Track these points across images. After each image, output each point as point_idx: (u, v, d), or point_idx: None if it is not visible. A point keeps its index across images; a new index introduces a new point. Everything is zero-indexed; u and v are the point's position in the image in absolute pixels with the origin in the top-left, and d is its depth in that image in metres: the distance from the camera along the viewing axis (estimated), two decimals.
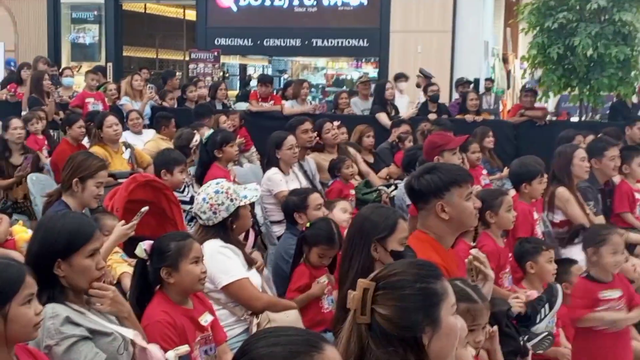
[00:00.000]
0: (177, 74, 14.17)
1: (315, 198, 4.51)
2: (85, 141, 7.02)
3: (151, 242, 3.03)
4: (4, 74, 12.18)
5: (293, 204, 4.51)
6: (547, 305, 3.39)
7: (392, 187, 6.07)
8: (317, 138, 6.66)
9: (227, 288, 3.52)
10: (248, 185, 4.06)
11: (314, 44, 13.91)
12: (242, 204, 3.66)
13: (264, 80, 10.25)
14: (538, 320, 3.33)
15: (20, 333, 2.22)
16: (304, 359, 1.58)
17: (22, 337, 2.25)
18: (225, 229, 3.62)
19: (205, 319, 3.07)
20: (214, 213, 3.60)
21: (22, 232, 4.40)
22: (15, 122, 6.77)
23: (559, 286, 3.55)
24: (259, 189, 4.09)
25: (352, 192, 5.97)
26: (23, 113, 8.44)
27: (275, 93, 10.64)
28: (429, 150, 5.29)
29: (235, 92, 14.95)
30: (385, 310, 1.89)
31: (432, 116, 9.22)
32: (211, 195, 3.61)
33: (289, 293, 3.87)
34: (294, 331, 1.70)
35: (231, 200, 3.62)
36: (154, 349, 2.69)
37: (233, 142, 5.98)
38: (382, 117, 9.05)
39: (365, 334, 1.89)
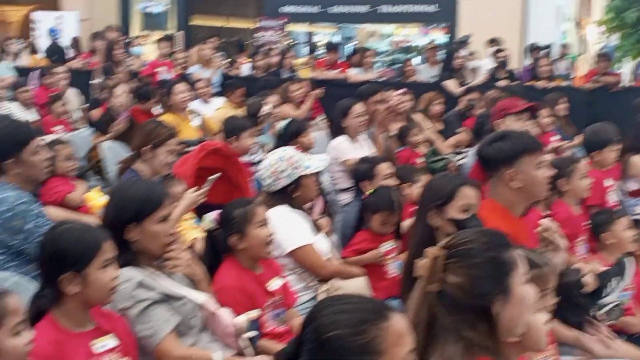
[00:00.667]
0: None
1: (384, 167, 4.48)
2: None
3: (217, 212, 3.09)
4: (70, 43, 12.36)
5: (361, 173, 4.50)
6: (614, 279, 3.31)
7: (461, 155, 6.00)
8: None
9: (293, 254, 3.54)
10: (315, 155, 4.05)
11: (382, 10, 13.75)
12: (304, 173, 3.67)
13: (330, 47, 10.20)
14: (604, 293, 3.26)
15: (97, 297, 2.30)
16: (370, 327, 1.57)
17: (99, 300, 2.33)
18: (287, 196, 3.64)
19: (276, 284, 3.11)
20: (275, 180, 3.62)
21: (97, 198, 4.53)
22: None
23: (628, 260, 3.46)
24: (326, 160, 4.08)
25: (420, 160, 5.92)
26: (96, 81, 8.65)
27: (342, 61, 10.60)
28: (494, 114, 5.19)
29: (302, 60, 14.93)
30: (456, 278, 1.87)
31: (501, 83, 9.03)
32: (274, 162, 3.64)
33: (344, 252, 3.88)
34: (361, 299, 1.69)
35: (294, 168, 3.63)
36: (223, 313, 2.74)
37: (307, 131, 5.88)
38: (450, 84, 8.92)
39: (435, 302, 1.89)
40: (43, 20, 14.01)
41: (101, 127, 6.81)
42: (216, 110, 7.72)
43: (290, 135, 5.67)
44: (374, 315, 1.59)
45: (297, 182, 3.65)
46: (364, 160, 4.71)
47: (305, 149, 5.79)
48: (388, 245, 3.87)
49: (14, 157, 3.23)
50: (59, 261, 2.27)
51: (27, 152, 3.26)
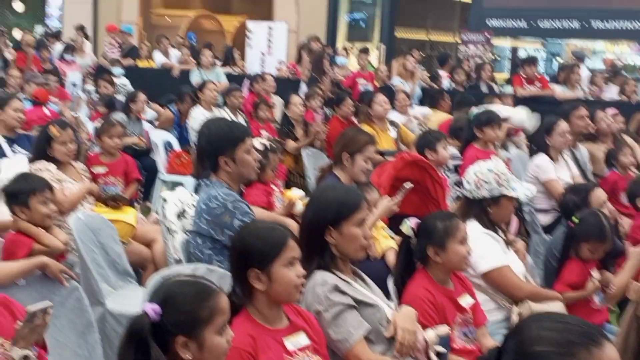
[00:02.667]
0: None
1: (599, 195, 4.25)
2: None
3: (417, 220, 3.08)
4: (268, 51, 12.89)
5: (573, 203, 4.27)
6: None
7: None
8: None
9: (488, 275, 3.47)
10: (525, 183, 3.95)
11: (593, 26, 13.10)
12: (507, 193, 3.57)
13: (528, 61, 9.88)
14: None
15: (282, 293, 2.37)
16: (580, 351, 1.45)
17: (284, 297, 2.39)
18: (482, 209, 3.57)
19: (466, 301, 3.06)
20: (477, 187, 3.57)
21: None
22: (295, 99, 7.31)
23: None
24: (533, 192, 3.96)
25: None
26: (302, 90, 8.99)
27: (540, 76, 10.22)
28: None
29: (505, 76, 14.59)
30: None
31: None
32: (482, 171, 3.59)
33: (559, 286, 3.71)
34: (573, 320, 1.57)
35: (499, 184, 3.55)
36: None
37: (498, 124, 5.79)
38: None
39: None
40: (256, 30, 14.78)
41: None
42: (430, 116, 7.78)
43: (479, 123, 5.58)
44: (585, 339, 1.48)
45: (496, 200, 3.57)
46: (574, 189, 4.47)
47: (489, 141, 5.65)
48: (595, 275, 3.68)
49: (228, 154, 3.43)
50: (246, 258, 2.37)
51: (240, 149, 3.45)
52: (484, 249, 3.47)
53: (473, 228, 3.49)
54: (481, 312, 3.16)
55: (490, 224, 3.60)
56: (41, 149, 4.73)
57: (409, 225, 3.07)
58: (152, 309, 1.95)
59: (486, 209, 3.58)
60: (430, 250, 3.00)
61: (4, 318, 2.42)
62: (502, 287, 3.48)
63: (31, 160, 4.77)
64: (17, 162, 4.80)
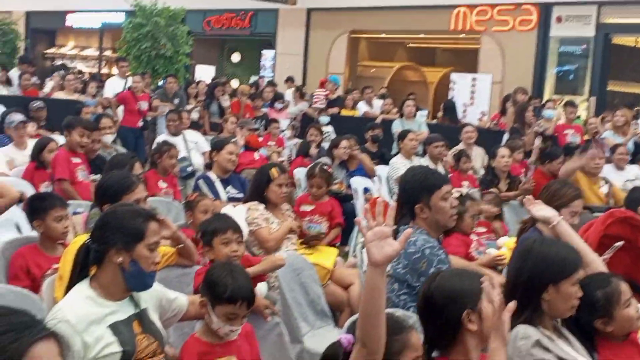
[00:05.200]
0: None
1: None
2: None
3: None
4: (470, 102, 12.82)
5: None
6: None
7: None
8: None
9: None
10: None
11: None
12: None
13: None
14: None
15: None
16: None
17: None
18: None
19: None
20: None
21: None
22: (503, 151, 7.20)
23: None
24: None
25: None
26: (505, 141, 8.83)
27: None
28: None
29: None
30: None
31: None
32: None
33: None
34: None
35: None
36: None
37: None
38: None
39: None
40: (459, 82, 14.81)
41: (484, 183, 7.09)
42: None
43: None
44: None
45: None
46: None
47: None
48: None
49: (424, 201, 3.45)
50: (454, 300, 2.35)
51: (436, 196, 3.45)
52: None
53: None
54: None
55: None
56: (259, 189, 4.99)
57: None
58: (347, 339, 2.04)
59: None
60: (598, 323, 2.78)
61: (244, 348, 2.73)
62: None
63: (246, 200, 5.06)
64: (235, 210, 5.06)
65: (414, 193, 3.49)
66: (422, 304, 2.48)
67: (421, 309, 2.50)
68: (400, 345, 2.05)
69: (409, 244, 3.36)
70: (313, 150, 8.73)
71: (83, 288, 2.59)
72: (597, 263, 3.15)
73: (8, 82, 12.82)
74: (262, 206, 4.90)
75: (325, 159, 7.65)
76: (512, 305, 2.23)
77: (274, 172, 4.94)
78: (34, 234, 3.91)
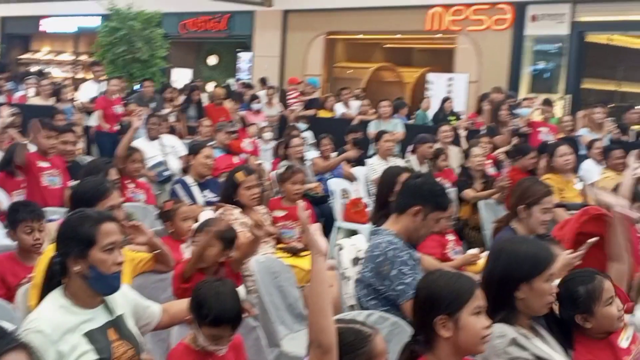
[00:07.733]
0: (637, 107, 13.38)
1: None
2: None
3: None
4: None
5: None
6: None
7: None
8: None
9: None
10: None
11: None
12: None
13: None
14: None
15: (468, 343, 2.33)
16: None
17: (470, 347, 2.35)
18: None
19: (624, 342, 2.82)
20: None
21: None
22: (476, 150, 7.23)
23: None
24: None
25: None
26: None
27: None
28: None
29: None
30: None
31: None
32: None
33: None
34: None
35: None
36: None
37: None
38: None
39: None
40: (436, 82, 14.87)
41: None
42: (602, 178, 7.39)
43: None
44: None
45: None
46: None
47: None
48: None
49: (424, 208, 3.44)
50: (433, 304, 2.34)
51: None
52: None
53: None
54: None
55: None
56: (227, 194, 4.99)
57: None
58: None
59: None
60: (578, 319, 2.78)
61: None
62: None
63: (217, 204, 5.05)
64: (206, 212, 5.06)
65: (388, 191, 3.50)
66: (415, 305, 2.48)
67: (414, 309, 2.50)
68: (365, 358, 2.05)
69: (374, 247, 3.35)
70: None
71: (57, 297, 2.56)
72: None
73: None
74: (237, 210, 4.89)
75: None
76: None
77: (239, 176, 4.95)
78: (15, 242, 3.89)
